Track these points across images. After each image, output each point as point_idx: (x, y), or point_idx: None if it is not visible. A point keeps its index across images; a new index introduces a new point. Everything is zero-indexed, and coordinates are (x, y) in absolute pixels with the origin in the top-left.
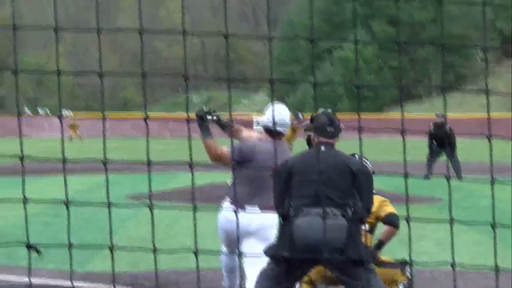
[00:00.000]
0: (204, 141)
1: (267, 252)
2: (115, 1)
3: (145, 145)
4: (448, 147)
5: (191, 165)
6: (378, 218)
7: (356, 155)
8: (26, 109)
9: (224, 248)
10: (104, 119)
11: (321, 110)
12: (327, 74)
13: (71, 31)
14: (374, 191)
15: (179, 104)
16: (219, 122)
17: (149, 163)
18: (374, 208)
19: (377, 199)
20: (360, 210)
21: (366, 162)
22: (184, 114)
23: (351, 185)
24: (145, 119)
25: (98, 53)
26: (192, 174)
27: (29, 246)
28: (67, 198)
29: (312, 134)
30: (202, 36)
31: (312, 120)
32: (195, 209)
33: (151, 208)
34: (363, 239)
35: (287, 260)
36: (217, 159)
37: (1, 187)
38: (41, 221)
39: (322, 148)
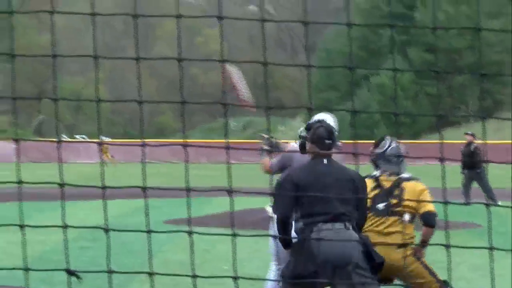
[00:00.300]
0: (262, 159)
1: (285, 273)
2: (152, 27)
3: (181, 170)
4: (474, 169)
5: (229, 191)
6: (417, 212)
7: (387, 138)
8: (64, 136)
9: (273, 268)
10: (143, 145)
11: (317, 117)
12: (363, 100)
13: (111, 58)
14: (409, 175)
15: (216, 130)
16: (277, 147)
17: (188, 189)
18: (413, 201)
19: (416, 187)
20: (357, 220)
21: (400, 145)
22: (221, 140)
23: (354, 198)
24: (184, 145)
25: (135, 79)
26: (232, 200)
27: (69, 272)
28: (107, 224)
29: (307, 142)
30: (240, 63)
31: (308, 128)
32: (234, 235)
33: (190, 233)
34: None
35: (305, 279)
36: (266, 171)
37: (38, 211)
38: (78, 246)
39: (324, 161)
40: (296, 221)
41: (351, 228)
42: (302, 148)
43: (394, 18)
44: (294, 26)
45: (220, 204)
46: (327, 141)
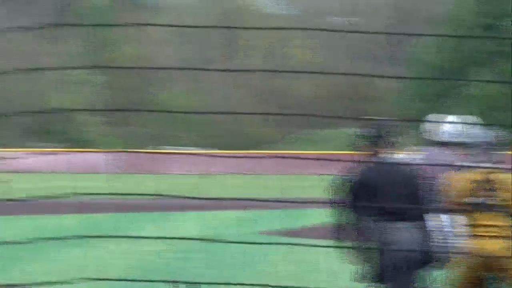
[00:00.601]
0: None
1: (368, 279)
2: (237, 37)
3: (271, 182)
4: None
5: (328, 202)
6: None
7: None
8: (158, 147)
9: None
10: (238, 157)
11: (376, 118)
12: (454, 112)
13: (204, 70)
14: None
15: (307, 141)
16: None
17: (287, 201)
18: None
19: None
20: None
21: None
22: (314, 151)
23: (419, 194)
24: (279, 157)
25: (221, 90)
26: (329, 211)
27: (172, 283)
28: (208, 235)
29: (367, 142)
30: (332, 75)
31: (369, 129)
32: (333, 246)
33: (291, 245)
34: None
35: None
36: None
37: (138, 222)
38: (179, 257)
39: (388, 159)
40: (364, 220)
41: (419, 224)
42: (361, 148)
43: (484, 29)
44: (382, 36)
45: (316, 216)
46: (383, 140)
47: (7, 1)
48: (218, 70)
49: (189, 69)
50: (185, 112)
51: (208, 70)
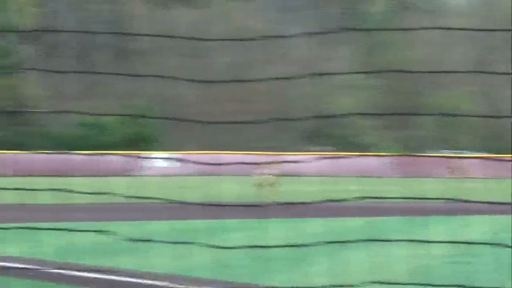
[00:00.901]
0: None
1: None
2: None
3: None
4: None
5: None
6: None
7: None
8: (435, 150)
9: None
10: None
11: None
12: None
13: (486, 73)
14: None
15: None
16: None
17: None
18: None
19: None
20: None
21: None
22: None
23: None
24: None
25: (502, 93)
26: None
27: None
28: (494, 240)
29: None
30: None
31: None
32: None
33: None
34: None
35: None
36: None
37: (422, 225)
38: (462, 261)
39: None
40: None
41: None
42: None
43: None
44: None
45: None
46: None
47: (295, 10)
48: (497, 73)
49: (470, 72)
50: (460, 116)
51: (487, 73)
